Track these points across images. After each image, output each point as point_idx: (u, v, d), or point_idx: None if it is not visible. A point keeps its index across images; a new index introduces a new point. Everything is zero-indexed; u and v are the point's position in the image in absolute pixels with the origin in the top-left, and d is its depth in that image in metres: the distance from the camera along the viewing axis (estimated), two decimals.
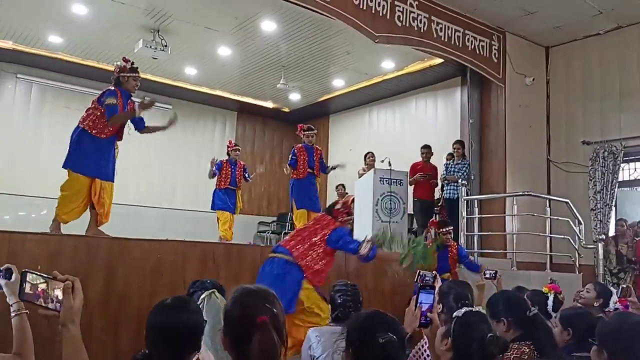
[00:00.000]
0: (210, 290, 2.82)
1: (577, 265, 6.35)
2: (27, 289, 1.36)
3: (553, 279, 4.05)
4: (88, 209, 4.69)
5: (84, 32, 7.91)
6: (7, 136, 8.70)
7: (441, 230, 5.32)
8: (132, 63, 4.84)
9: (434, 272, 3.28)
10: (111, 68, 9.09)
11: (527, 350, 2.19)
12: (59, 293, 1.34)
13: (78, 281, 1.38)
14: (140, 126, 4.96)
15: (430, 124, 9.15)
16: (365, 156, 8.07)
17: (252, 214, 11.00)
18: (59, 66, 8.97)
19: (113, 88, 4.67)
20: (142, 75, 9.82)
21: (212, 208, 7.34)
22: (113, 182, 4.72)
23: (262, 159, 11.63)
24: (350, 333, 1.57)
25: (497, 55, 7.75)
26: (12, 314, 1.79)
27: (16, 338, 1.79)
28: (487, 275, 4.23)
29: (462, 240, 6.48)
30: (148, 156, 9.71)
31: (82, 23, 7.61)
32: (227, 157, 7.48)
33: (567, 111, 8.02)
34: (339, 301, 2.95)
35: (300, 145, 6.91)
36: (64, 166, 4.62)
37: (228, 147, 7.60)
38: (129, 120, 4.86)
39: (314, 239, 3.82)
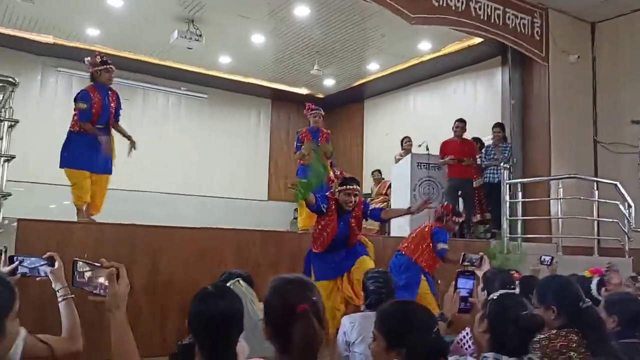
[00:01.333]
0: (235, 279, 2.84)
1: (627, 250, 6.10)
2: (78, 276, 1.41)
3: (610, 264, 3.88)
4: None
5: (120, 24, 8.03)
6: (50, 128, 8.94)
7: (452, 218, 4.85)
8: (102, 56, 4.93)
9: (481, 253, 3.18)
10: (148, 59, 9.37)
11: (576, 338, 2.12)
12: (104, 280, 1.38)
13: (123, 267, 1.41)
14: (116, 119, 5.05)
15: (470, 106, 8.90)
16: (402, 141, 7.93)
17: (288, 200, 11.03)
18: None
19: (86, 89, 4.78)
20: (177, 65, 10.00)
21: None
22: (105, 174, 4.87)
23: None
24: (387, 323, 1.58)
25: (539, 33, 7.44)
26: (60, 299, 1.85)
27: (65, 322, 1.84)
28: (544, 261, 4.12)
29: (504, 225, 6.31)
30: (185, 145, 9.85)
31: (118, 15, 7.72)
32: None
33: (615, 89, 7.66)
34: (372, 288, 2.98)
35: (305, 128, 6.28)
36: (61, 167, 4.82)
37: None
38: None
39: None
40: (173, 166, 9.55)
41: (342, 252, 4.04)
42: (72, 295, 1.84)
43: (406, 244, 4.67)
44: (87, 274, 1.40)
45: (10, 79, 3.64)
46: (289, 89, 10.83)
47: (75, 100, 4.78)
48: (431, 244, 4.50)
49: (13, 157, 3.61)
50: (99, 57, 4.90)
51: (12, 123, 3.62)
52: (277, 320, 1.33)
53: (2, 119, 3.59)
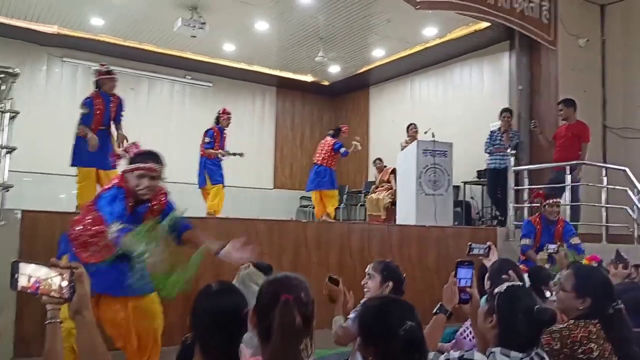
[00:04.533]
0: (247, 264, 2.79)
1: (636, 236, 6.03)
2: (23, 280, 1.31)
3: (620, 251, 3.81)
4: None
5: (124, 13, 7.99)
6: (56, 118, 8.97)
7: (548, 201, 4.87)
8: (107, 67, 5.54)
9: (489, 242, 3.12)
10: (152, 48, 9.34)
11: (594, 329, 2.09)
12: (61, 281, 1.30)
13: (82, 267, 1.36)
14: (117, 122, 5.54)
15: (476, 92, 8.80)
16: (408, 128, 7.87)
17: (294, 189, 11.02)
18: (102, 48, 9.12)
19: (91, 96, 5.34)
20: (181, 54, 9.99)
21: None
22: (112, 169, 5.26)
23: (302, 133, 11.59)
24: (366, 329, 1.49)
25: (547, 17, 7.29)
26: (46, 322, 1.64)
27: (46, 347, 1.62)
28: (550, 250, 4.08)
29: (510, 212, 6.26)
30: (190, 134, 9.81)
31: (121, 4, 7.68)
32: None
33: (625, 73, 7.52)
34: None
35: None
36: (72, 165, 5.30)
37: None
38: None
39: None
40: (178, 155, 9.49)
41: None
42: (60, 320, 1.59)
43: None
44: (40, 275, 1.31)
45: (10, 70, 3.64)
46: (294, 77, 10.76)
47: (82, 103, 5.29)
48: None
49: (14, 148, 3.61)
50: (105, 67, 5.49)
51: (13, 114, 3.62)
52: (262, 307, 1.38)
53: (3, 110, 3.59)
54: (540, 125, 6.86)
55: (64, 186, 8.58)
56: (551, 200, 4.96)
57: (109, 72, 5.45)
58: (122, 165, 2.97)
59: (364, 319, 1.52)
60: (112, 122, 5.44)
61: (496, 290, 1.84)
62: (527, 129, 7.38)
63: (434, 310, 2.03)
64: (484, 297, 3.08)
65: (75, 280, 1.31)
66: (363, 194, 9.73)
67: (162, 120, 9.82)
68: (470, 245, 3.24)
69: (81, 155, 5.20)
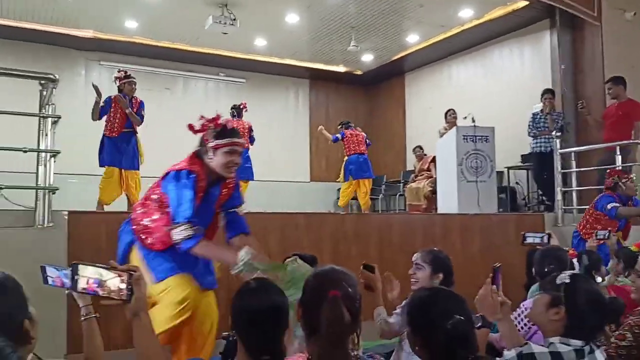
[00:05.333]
0: (293, 257, 2.74)
1: None
2: (82, 282, 1.33)
3: None
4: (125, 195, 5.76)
5: (156, 14, 8.09)
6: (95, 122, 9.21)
7: (629, 177, 4.73)
8: (126, 71, 5.91)
9: (548, 231, 2.96)
10: (185, 47, 9.44)
11: None
12: (119, 283, 1.32)
13: (139, 270, 1.39)
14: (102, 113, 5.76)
15: (517, 74, 8.50)
16: (446, 114, 7.67)
17: (330, 181, 10.97)
18: (137, 50, 9.28)
19: (110, 96, 5.71)
20: (214, 51, 10.09)
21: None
22: (136, 169, 5.76)
23: (336, 124, 11.46)
24: (413, 319, 1.49)
25: None
26: (82, 318, 1.72)
27: (85, 342, 1.71)
28: (600, 236, 3.89)
29: (558, 196, 6.01)
30: None
31: (153, 5, 7.78)
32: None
33: None
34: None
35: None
36: (100, 165, 5.70)
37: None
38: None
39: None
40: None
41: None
42: (96, 315, 1.71)
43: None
44: (99, 277, 1.33)
45: (50, 76, 3.70)
46: (327, 68, 10.68)
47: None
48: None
49: (58, 152, 3.69)
50: (122, 72, 5.87)
51: (55, 119, 3.69)
52: (309, 302, 1.37)
53: (45, 115, 3.66)
54: (587, 105, 6.56)
55: None
56: (632, 175, 4.84)
57: (128, 76, 5.78)
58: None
59: (412, 309, 1.52)
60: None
61: (559, 280, 1.75)
62: (572, 110, 7.07)
63: (476, 324, 1.79)
64: (534, 286, 2.95)
65: (132, 283, 1.33)
66: (402, 184, 9.58)
67: (196, 118, 9.92)
68: (524, 234, 3.09)
69: (107, 155, 5.60)
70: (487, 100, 8.60)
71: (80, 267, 1.34)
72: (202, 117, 2.61)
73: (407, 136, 10.58)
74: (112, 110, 5.66)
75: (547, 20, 7.73)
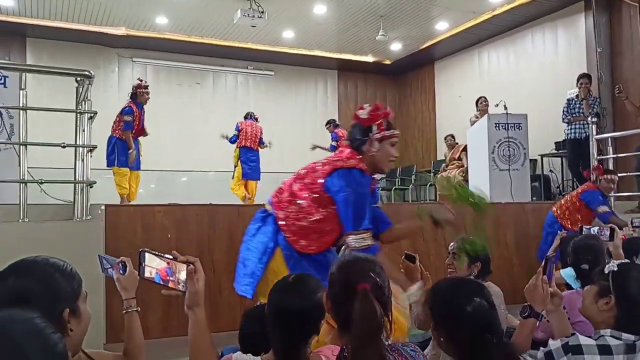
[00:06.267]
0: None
1: None
2: (147, 271, 1.35)
3: None
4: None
5: (186, 10, 8.20)
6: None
7: (605, 176, 4.61)
8: (144, 81, 6.20)
9: (611, 225, 2.86)
10: (214, 41, 9.54)
11: None
12: (181, 275, 1.31)
13: (198, 262, 1.33)
14: (129, 127, 5.99)
15: (550, 58, 8.26)
16: (477, 102, 7.53)
17: None
18: (168, 46, 9.45)
19: (130, 105, 5.96)
20: (243, 45, 10.17)
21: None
22: (137, 170, 6.21)
23: None
24: (436, 309, 1.47)
25: None
26: (123, 311, 1.70)
27: (125, 337, 1.69)
28: (636, 225, 3.75)
29: None
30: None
31: (183, 1, 7.88)
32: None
33: None
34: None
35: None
36: (109, 166, 6.00)
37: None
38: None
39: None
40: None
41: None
42: (137, 309, 1.70)
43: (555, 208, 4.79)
44: (162, 266, 1.33)
45: (86, 73, 3.80)
46: (355, 58, 10.62)
47: (122, 113, 5.93)
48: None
49: (95, 147, 3.80)
50: (143, 81, 6.16)
51: (92, 115, 3.80)
52: (338, 296, 1.33)
53: (82, 111, 3.77)
54: (625, 89, 6.33)
55: (143, 181, 9.06)
56: (609, 176, 4.64)
57: (146, 87, 6.09)
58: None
59: (433, 300, 1.49)
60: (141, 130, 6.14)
61: (607, 269, 1.70)
62: (609, 95, 6.85)
63: (523, 314, 1.77)
64: (566, 270, 2.88)
65: (188, 277, 1.30)
66: (432, 173, 9.48)
67: (228, 112, 10.03)
68: (581, 227, 3.00)
69: (121, 158, 5.97)
70: (519, 87, 8.41)
71: (147, 255, 1.34)
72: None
73: (437, 125, 10.45)
74: (136, 121, 6.02)
75: (581, 2, 7.49)
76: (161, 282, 1.33)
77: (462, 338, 1.36)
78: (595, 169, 4.77)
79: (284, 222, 2.33)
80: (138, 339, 1.68)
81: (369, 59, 10.75)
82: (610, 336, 1.59)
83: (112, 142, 5.99)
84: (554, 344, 1.59)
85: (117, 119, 6.01)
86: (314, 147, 8.10)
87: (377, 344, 1.24)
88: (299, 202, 2.32)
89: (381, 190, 10.55)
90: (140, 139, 6.25)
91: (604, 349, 1.55)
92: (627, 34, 6.93)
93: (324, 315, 1.40)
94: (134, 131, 5.98)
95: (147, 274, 1.35)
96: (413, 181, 10.04)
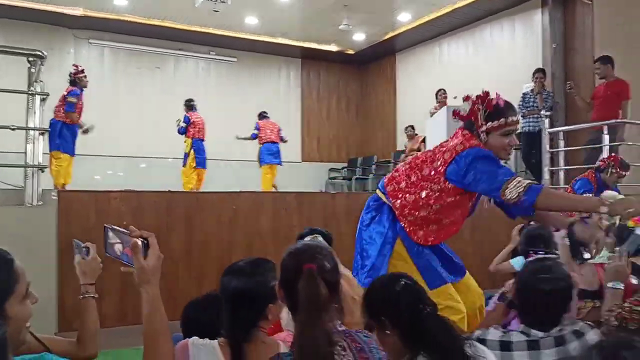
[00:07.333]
0: (314, 235, 2.72)
1: None
2: (109, 245, 1.32)
3: None
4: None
5: None
6: (86, 100, 9.14)
7: (620, 171, 4.48)
8: (80, 67, 6.37)
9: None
10: (175, 25, 9.33)
11: None
12: (137, 248, 1.25)
13: (153, 237, 1.26)
14: (71, 109, 6.11)
15: (508, 52, 8.48)
16: (437, 93, 7.69)
17: (322, 161, 10.99)
18: (126, 28, 9.18)
19: (76, 89, 6.08)
20: (205, 30, 10.00)
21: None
22: (73, 156, 6.21)
23: (328, 104, 11.48)
24: (371, 303, 1.52)
25: None
26: (80, 296, 1.63)
27: (80, 322, 1.63)
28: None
29: (546, 176, 6.08)
30: (216, 110, 9.84)
31: None
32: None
33: None
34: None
35: None
36: (51, 150, 5.88)
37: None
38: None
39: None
40: (206, 132, 9.60)
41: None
42: (93, 295, 1.64)
43: None
44: (117, 243, 1.30)
45: (38, 53, 3.68)
46: (319, 47, 10.61)
47: (66, 95, 5.99)
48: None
49: (47, 130, 3.69)
50: (79, 67, 6.33)
51: (44, 97, 3.68)
52: (287, 281, 1.34)
53: (34, 92, 3.65)
54: (577, 84, 6.58)
55: (99, 167, 8.82)
56: (623, 172, 4.57)
57: (83, 71, 6.24)
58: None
59: (368, 298, 1.53)
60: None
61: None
62: (562, 89, 7.10)
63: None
64: (517, 259, 3.00)
65: (134, 251, 1.24)
66: (392, 164, 9.62)
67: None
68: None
69: (66, 142, 6.00)
70: (478, 80, 8.55)
71: (110, 232, 1.30)
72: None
73: (398, 116, 10.59)
74: (79, 103, 6.12)
75: None
76: (124, 260, 1.28)
77: (401, 316, 1.42)
78: (611, 159, 4.57)
79: (401, 212, 2.25)
80: (92, 326, 1.63)
81: (333, 48, 10.76)
82: (521, 333, 1.63)
83: (57, 127, 5.97)
84: (492, 334, 1.65)
85: (60, 103, 6.03)
86: (239, 138, 8.33)
87: (324, 326, 1.24)
88: (418, 192, 2.22)
89: (342, 179, 10.68)
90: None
91: (504, 345, 1.60)
92: (580, 31, 7.18)
93: (272, 301, 1.41)
94: (77, 113, 6.06)
95: (115, 251, 1.31)
96: (373, 171, 10.17)
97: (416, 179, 2.24)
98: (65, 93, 6.04)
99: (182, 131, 7.50)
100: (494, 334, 1.63)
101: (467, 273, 2.39)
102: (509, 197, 2.01)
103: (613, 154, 5.06)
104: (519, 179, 2.02)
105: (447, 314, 1.84)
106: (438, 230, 2.24)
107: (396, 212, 2.26)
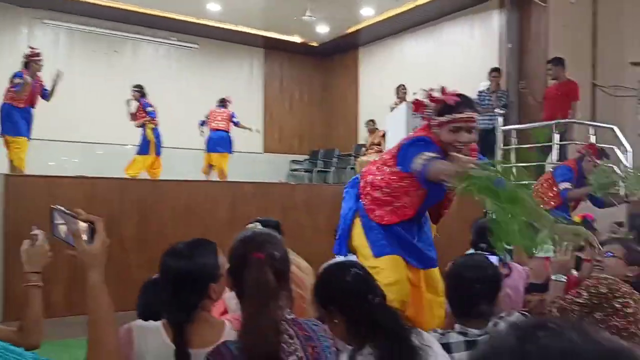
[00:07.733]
0: (254, 223, 2.73)
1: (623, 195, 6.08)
2: (55, 227, 1.29)
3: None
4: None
5: None
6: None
7: (596, 161, 4.40)
8: (36, 50, 6.15)
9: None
10: (134, 8, 9.09)
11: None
12: (79, 232, 1.22)
13: (100, 222, 1.23)
14: (46, 98, 6.16)
15: (466, 51, 8.68)
16: (397, 89, 7.80)
17: (284, 152, 10.98)
18: (83, 9, 8.87)
19: (22, 71, 5.90)
20: (165, 14, 9.80)
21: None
22: (29, 139, 6.04)
23: (291, 95, 11.45)
24: (322, 292, 1.57)
25: None
26: (24, 284, 1.59)
27: (24, 310, 1.59)
28: None
29: None
30: (176, 98, 9.68)
31: None
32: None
33: (616, 30, 7.43)
34: None
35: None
36: (2, 134, 5.85)
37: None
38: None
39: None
40: (165, 119, 9.41)
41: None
42: (36, 284, 1.60)
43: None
44: (62, 225, 1.27)
45: None
46: (282, 37, 10.55)
47: (13, 78, 5.85)
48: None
49: None
50: (36, 49, 6.12)
51: None
52: (235, 268, 1.35)
53: None
54: (530, 84, 6.82)
55: (54, 153, 8.52)
56: (598, 161, 4.45)
57: (38, 55, 6.03)
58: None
59: (319, 287, 1.55)
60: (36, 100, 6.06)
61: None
62: (516, 89, 7.34)
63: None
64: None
65: (75, 236, 1.21)
66: (353, 157, 9.72)
67: (147, 83, 9.63)
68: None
69: (19, 126, 5.83)
70: (437, 77, 8.71)
71: (57, 213, 1.27)
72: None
73: (360, 110, 10.68)
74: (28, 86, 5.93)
75: None
76: (70, 242, 1.25)
77: (350, 305, 1.45)
78: (589, 148, 4.55)
79: (362, 191, 2.51)
80: (35, 315, 1.59)
81: (296, 39, 10.73)
82: (459, 332, 1.65)
83: (5, 109, 5.86)
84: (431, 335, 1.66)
85: (10, 85, 5.92)
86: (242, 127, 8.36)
87: (272, 315, 1.26)
88: (377, 174, 2.45)
89: (303, 172, 10.70)
90: (54, 106, 6.20)
91: (444, 347, 1.59)
92: (535, 32, 7.42)
93: (213, 280, 1.41)
94: (25, 94, 5.89)
95: (60, 233, 1.28)
96: (335, 164, 10.24)
97: (380, 163, 2.49)
98: (13, 75, 5.91)
99: (202, 123, 7.83)
100: (433, 336, 1.62)
101: (437, 270, 2.50)
102: (413, 167, 2.16)
103: (591, 142, 5.12)
104: (429, 154, 2.13)
105: (380, 277, 1.92)
106: (392, 211, 2.41)
107: (360, 191, 2.53)
